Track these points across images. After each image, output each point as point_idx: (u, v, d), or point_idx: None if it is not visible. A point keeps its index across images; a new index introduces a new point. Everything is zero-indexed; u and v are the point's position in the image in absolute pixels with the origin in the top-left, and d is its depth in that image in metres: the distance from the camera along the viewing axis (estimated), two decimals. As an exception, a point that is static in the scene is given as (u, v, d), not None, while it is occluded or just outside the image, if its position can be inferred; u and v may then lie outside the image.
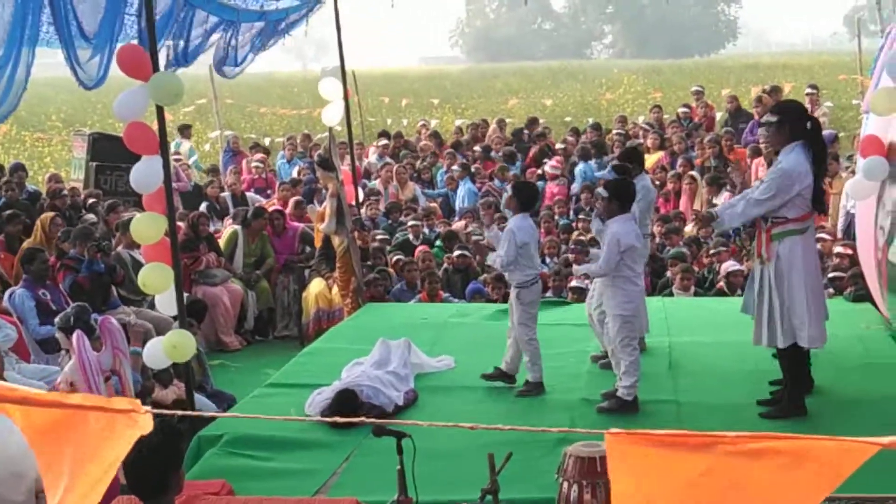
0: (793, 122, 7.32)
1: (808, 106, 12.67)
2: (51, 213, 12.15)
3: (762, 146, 15.33)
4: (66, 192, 13.92)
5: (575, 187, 16.42)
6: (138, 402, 2.30)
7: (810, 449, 1.92)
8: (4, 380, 4.04)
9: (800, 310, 7.28)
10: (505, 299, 9.33)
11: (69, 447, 2.25)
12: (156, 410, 2.24)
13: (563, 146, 18.25)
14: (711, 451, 2.00)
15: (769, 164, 7.63)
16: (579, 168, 16.82)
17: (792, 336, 7.34)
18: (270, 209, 13.62)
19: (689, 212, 14.75)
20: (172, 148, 19.23)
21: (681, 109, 19.57)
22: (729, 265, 11.61)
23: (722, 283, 11.51)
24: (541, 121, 21.14)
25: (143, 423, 2.26)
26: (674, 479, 2.01)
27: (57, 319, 8.18)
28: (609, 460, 2.08)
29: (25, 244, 11.40)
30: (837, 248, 11.68)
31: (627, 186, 7.96)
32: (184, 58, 10.87)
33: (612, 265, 7.59)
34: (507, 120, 22.12)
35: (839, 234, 12.71)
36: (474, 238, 13.26)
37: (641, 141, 17.60)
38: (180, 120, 27.13)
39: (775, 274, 7.31)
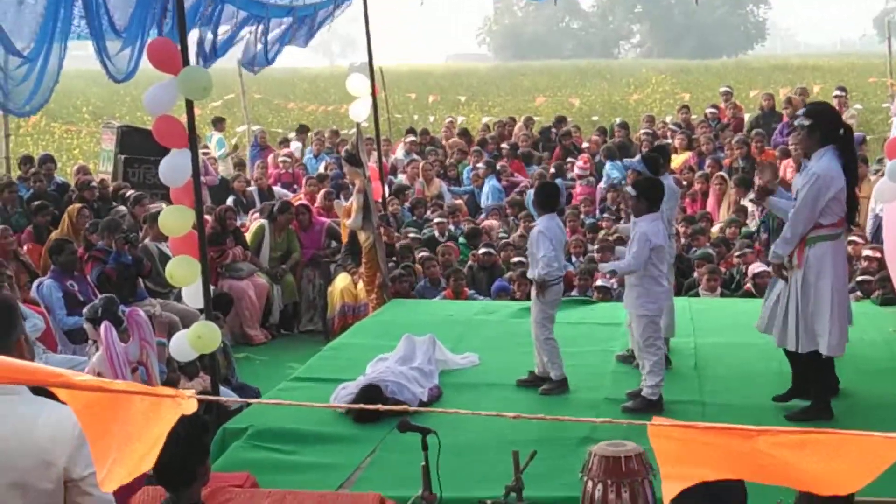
0: (825, 126, 7.24)
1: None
2: (78, 205, 12.23)
3: (791, 148, 15.28)
4: (94, 183, 14.00)
5: (601, 187, 16.39)
6: (182, 391, 2.33)
7: (852, 441, 1.94)
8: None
9: (823, 317, 7.23)
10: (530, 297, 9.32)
11: (116, 424, 2.29)
12: (199, 396, 2.27)
13: (586, 145, 18.23)
14: (754, 441, 2.02)
15: (798, 167, 7.56)
16: (606, 167, 16.80)
17: (814, 342, 7.30)
18: (297, 204, 13.66)
19: (716, 213, 14.69)
20: (204, 141, 19.41)
21: (709, 110, 19.49)
22: (755, 266, 11.56)
23: (749, 285, 11.46)
24: (568, 119, 21.11)
25: (188, 405, 2.30)
26: (720, 459, 2.05)
27: (85, 310, 8.23)
28: (653, 444, 2.12)
29: (53, 235, 11.47)
30: (866, 252, 11.61)
31: (656, 185, 7.94)
32: (212, 53, 10.94)
33: (641, 262, 7.56)
34: (535, 118, 22.10)
35: (868, 238, 12.64)
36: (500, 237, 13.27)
37: (669, 141, 17.55)
38: (209, 114, 27.27)
39: (802, 279, 7.27)
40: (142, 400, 2.27)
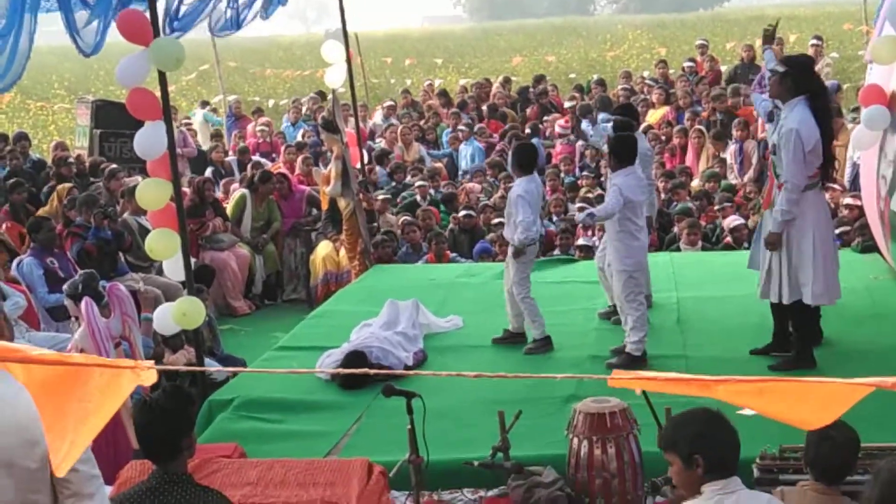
0: (798, 76, 7.24)
1: (812, 56, 12.51)
2: (68, 184, 12.17)
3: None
4: (72, 159, 13.91)
5: (580, 145, 16.37)
6: (148, 363, 2.32)
7: (810, 389, 1.98)
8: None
9: (806, 266, 7.26)
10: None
11: (73, 402, 2.28)
12: (162, 367, 2.26)
13: (571, 104, 18.18)
14: (713, 390, 2.06)
15: (776, 108, 7.50)
16: (584, 125, 16.76)
17: (798, 292, 7.33)
18: (276, 172, 13.60)
19: (695, 167, 14.69)
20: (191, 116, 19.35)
21: (686, 63, 19.45)
22: (731, 220, 11.59)
23: (729, 238, 11.50)
24: (546, 78, 21.06)
25: (146, 376, 2.27)
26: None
27: (65, 287, 8.20)
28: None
29: (41, 212, 11.44)
30: (846, 200, 11.64)
31: (628, 141, 7.99)
32: (176, 18, 10.80)
33: (615, 209, 7.60)
34: (513, 78, 22.04)
35: (847, 186, 12.67)
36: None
37: (646, 96, 17.53)
38: (184, 86, 27.10)
39: (786, 232, 7.29)
40: (101, 374, 2.25)
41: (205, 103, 20.22)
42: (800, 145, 7.05)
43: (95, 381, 2.25)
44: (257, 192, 12.66)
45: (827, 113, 7.43)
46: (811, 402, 1.99)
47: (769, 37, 8.41)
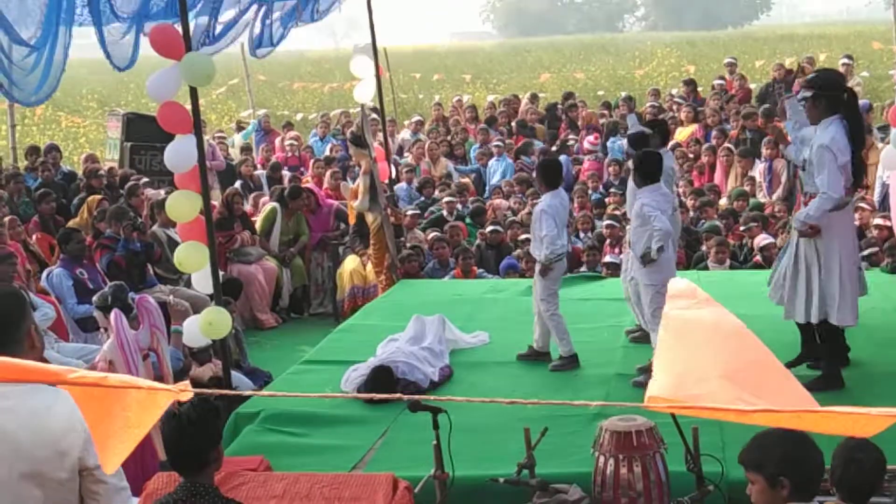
0: (829, 95, 7.20)
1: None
2: (98, 196, 12.27)
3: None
4: (102, 171, 14.01)
5: (607, 161, 16.41)
6: (182, 384, 2.35)
7: (833, 418, 1.97)
8: (45, 359, 4.08)
9: (833, 287, 7.21)
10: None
11: (115, 410, 2.33)
12: (196, 391, 2.29)
13: (603, 121, 18.20)
14: (750, 417, 2.04)
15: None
16: (610, 142, 16.82)
17: (822, 313, 7.29)
18: (303, 187, 13.65)
19: (723, 185, 14.66)
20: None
21: (716, 81, 19.41)
22: (761, 239, 11.53)
23: (758, 257, 11.44)
24: (574, 95, 21.11)
25: (184, 396, 2.33)
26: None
27: (95, 298, 8.24)
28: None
29: (71, 223, 11.52)
30: (876, 220, 11.57)
31: (652, 157, 7.96)
32: (212, 37, 10.89)
33: (667, 225, 7.57)
34: (540, 94, 22.07)
35: (876, 205, 12.61)
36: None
37: (675, 114, 17.51)
38: (214, 100, 27.28)
39: (812, 251, 7.26)
40: (138, 392, 2.29)
41: (240, 127, 20.31)
42: (833, 160, 7.03)
43: (134, 396, 2.28)
44: (287, 206, 12.71)
45: (859, 122, 7.39)
46: (846, 430, 1.98)
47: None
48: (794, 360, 7.73)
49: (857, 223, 9.90)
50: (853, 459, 4.06)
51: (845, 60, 18.07)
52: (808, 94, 7.23)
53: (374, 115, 14.15)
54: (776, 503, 3.74)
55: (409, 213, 13.43)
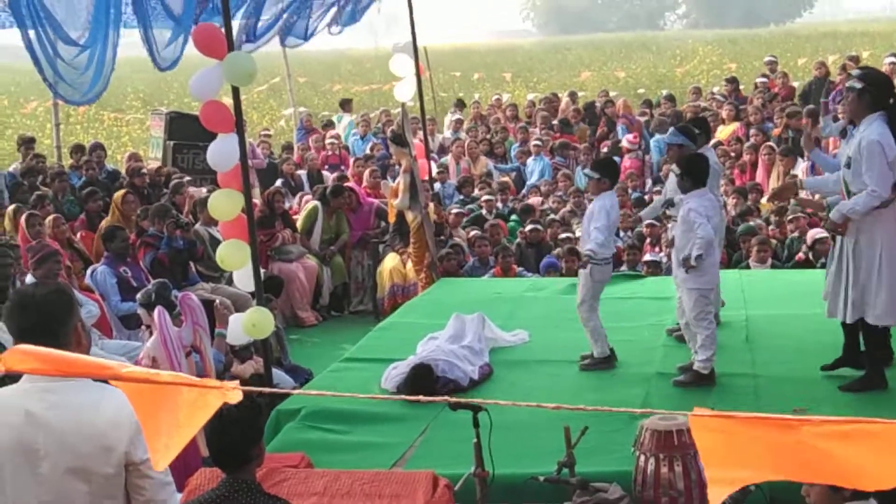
0: (876, 91, 7.12)
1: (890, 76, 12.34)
2: (123, 191, 12.31)
3: (840, 116, 15.07)
4: (145, 170, 14.14)
5: (651, 159, 16.37)
6: (232, 383, 2.39)
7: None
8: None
9: (872, 286, 7.14)
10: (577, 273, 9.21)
11: (165, 409, 2.36)
12: (243, 388, 2.33)
13: (645, 119, 18.15)
14: (797, 431, 1.98)
15: (843, 131, 7.41)
16: (654, 140, 16.76)
17: (861, 311, 7.22)
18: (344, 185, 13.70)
19: (765, 183, 14.55)
20: (336, 121, 19.55)
21: (759, 80, 19.29)
22: (815, 232, 11.35)
23: (801, 255, 11.31)
24: (612, 94, 21.07)
25: (233, 395, 2.35)
26: (763, 455, 2.00)
27: (138, 296, 8.34)
28: (696, 439, 2.08)
29: (104, 223, 11.61)
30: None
31: (699, 160, 7.88)
32: (253, 35, 10.98)
33: (711, 234, 7.50)
34: (580, 93, 22.03)
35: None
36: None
37: (716, 111, 17.43)
38: (255, 98, 27.40)
39: (854, 248, 7.19)
40: (189, 390, 2.32)
41: (344, 102, 20.46)
42: (883, 156, 6.93)
43: (185, 396, 2.31)
44: (329, 204, 12.77)
45: None
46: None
47: None
48: (832, 364, 7.67)
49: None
50: None
51: (891, 59, 17.84)
52: (858, 86, 7.13)
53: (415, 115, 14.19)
54: (836, 503, 3.71)
55: (454, 211, 13.46)
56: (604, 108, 18.87)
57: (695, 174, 7.68)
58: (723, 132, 16.63)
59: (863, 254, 7.16)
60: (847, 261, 7.23)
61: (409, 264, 11.87)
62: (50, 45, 7.61)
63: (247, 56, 8.00)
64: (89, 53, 7.42)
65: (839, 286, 7.30)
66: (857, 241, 7.17)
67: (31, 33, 7.87)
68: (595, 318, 8.14)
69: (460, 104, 20.77)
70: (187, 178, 13.74)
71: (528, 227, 12.61)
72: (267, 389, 7.31)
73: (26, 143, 15.50)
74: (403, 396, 6.36)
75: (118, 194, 12.18)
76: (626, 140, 17.24)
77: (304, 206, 13.58)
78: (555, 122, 18.58)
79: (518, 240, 12.67)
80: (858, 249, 7.17)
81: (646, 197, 14.11)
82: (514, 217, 13.73)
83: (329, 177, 16.24)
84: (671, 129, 8.83)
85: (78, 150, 15.76)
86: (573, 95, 20.77)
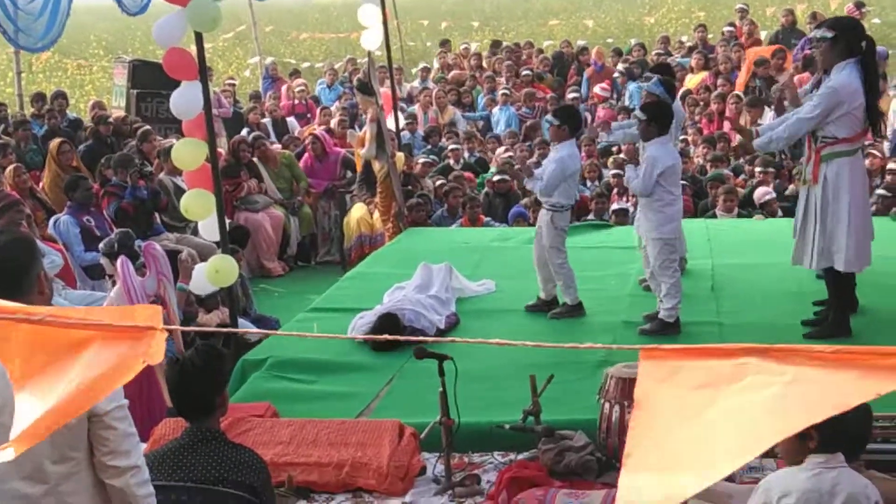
0: (848, 38, 7.09)
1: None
2: (58, 140, 12.10)
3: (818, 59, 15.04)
4: (111, 119, 13.97)
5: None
6: (159, 315, 2.23)
7: (852, 359, 1.87)
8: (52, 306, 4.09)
9: (840, 234, 7.15)
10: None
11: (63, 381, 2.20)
12: (192, 328, 2.25)
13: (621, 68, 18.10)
14: (750, 355, 1.93)
15: (817, 85, 7.40)
16: (630, 87, 16.74)
17: (828, 259, 7.25)
18: (310, 133, 13.61)
19: (732, 133, 14.55)
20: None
21: (726, 28, 19.25)
22: (762, 192, 11.43)
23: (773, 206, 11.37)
24: (581, 42, 20.99)
25: (155, 351, 2.16)
26: (704, 394, 1.95)
27: (101, 245, 8.26)
28: (639, 378, 2.02)
29: (45, 173, 11.46)
30: (891, 165, 11.47)
31: (665, 108, 7.86)
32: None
33: (649, 187, 7.51)
34: (547, 42, 21.93)
35: (887, 153, 12.52)
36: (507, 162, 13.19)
37: (687, 60, 17.41)
38: (221, 46, 27.10)
39: (821, 196, 7.20)
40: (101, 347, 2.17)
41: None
42: (827, 101, 6.91)
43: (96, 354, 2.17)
44: (260, 156, 12.62)
45: (874, 71, 7.28)
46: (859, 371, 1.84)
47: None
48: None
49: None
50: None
51: (851, 7, 17.82)
52: (829, 35, 7.10)
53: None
54: (801, 452, 3.70)
55: (421, 161, 13.39)
56: (578, 55, 18.82)
57: (660, 120, 7.65)
58: (691, 81, 16.60)
59: (829, 202, 7.17)
60: (815, 209, 7.24)
61: (376, 214, 11.82)
62: (2, -9, 7.49)
63: (211, 2, 7.88)
64: (42, 1, 7.29)
65: (805, 235, 7.32)
66: (822, 191, 7.18)
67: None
68: (566, 262, 8.14)
69: (445, 44, 20.68)
70: (146, 127, 13.50)
71: (496, 178, 12.56)
72: (218, 329, 7.27)
73: (-14, 93, 15.29)
74: (372, 336, 6.35)
75: (53, 143, 11.96)
76: (598, 88, 17.21)
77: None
78: (525, 71, 18.43)
79: (486, 190, 12.63)
80: (825, 199, 7.18)
81: (612, 148, 14.06)
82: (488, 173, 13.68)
83: (295, 125, 16.14)
84: (655, 77, 8.76)
85: (39, 98, 15.55)
86: (537, 50, 20.70)
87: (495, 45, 21.30)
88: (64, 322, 2.16)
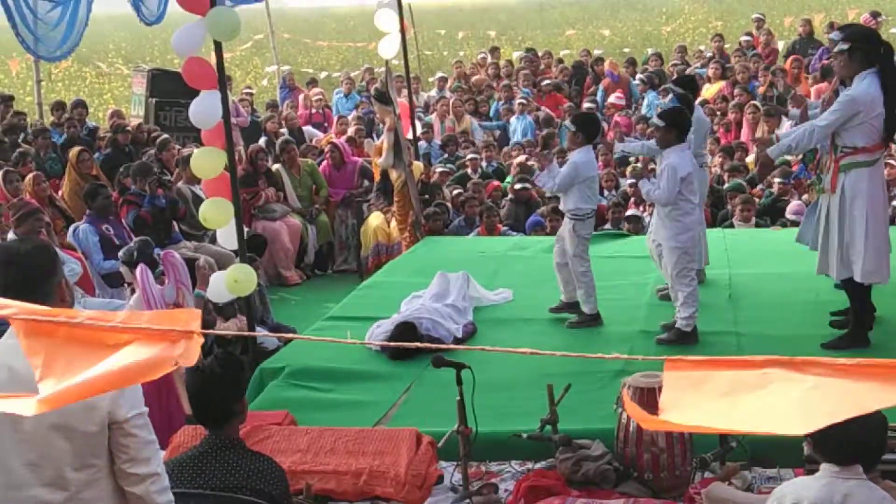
0: (865, 48, 7.07)
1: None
2: (77, 148, 12.15)
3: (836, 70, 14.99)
4: (129, 128, 14.03)
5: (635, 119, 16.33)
6: (199, 320, 2.25)
7: (873, 371, 1.89)
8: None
9: (858, 244, 7.13)
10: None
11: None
12: (214, 332, 2.26)
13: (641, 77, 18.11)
14: (773, 366, 1.97)
15: (836, 94, 7.38)
16: (649, 97, 16.75)
17: (848, 270, 7.23)
18: (328, 142, 13.63)
19: (750, 143, 14.53)
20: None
21: (743, 38, 19.23)
22: (796, 206, 11.38)
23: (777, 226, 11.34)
24: (597, 52, 20.99)
25: (188, 353, 2.19)
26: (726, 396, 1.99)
27: (120, 253, 8.30)
28: (665, 387, 2.06)
29: (64, 182, 11.48)
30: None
31: (683, 115, 7.85)
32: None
33: (673, 195, 7.49)
34: (564, 52, 21.94)
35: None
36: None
37: (703, 70, 17.40)
38: (239, 56, 27.21)
39: (839, 206, 7.18)
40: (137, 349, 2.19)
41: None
42: (843, 110, 6.90)
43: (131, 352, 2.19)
44: (286, 161, 12.65)
45: (893, 75, 7.24)
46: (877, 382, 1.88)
47: None
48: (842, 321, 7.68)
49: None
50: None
51: (867, 17, 17.76)
52: (846, 46, 7.09)
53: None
54: None
55: (439, 170, 13.41)
56: (593, 65, 18.84)
57: (678, 127, 7.64)
58: (709, 91, 16.59)
59: (847, 213, 7.15)
60: (834, 220, 7.21)
61: (394, 223, 11.84)
62: (25, 2, 7.54)
63: (230, 10, 7.93)
64: (62, 9, 7.34)
65: (829, 244, 7.29)
66: (840, 200, 7.16)
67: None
68: (589, 271, 8.13)
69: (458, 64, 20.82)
70: (164, 136, 13.55)
71: (517, 186, 12.55)
72: (236, 333, 7.28)
73: (5, 102, 15.32)
74: (390, 343, 6.34)
75: (73, 152, 11.99)
76: (613, 97, 17.25)
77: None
78: (544, 82, 18.41)
79: (509, 196, 12.63)
80: (843, 209, 7.16)
81: (630, 157, 14.05)
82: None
83: (312, 134, 16.18)
84: (671, 95, 8.77)
85: (59, 107, 15.63)
86: (547, 56, 20.70)
87: (529, 51, 21.32)
88: (103, 326, 2.18)
